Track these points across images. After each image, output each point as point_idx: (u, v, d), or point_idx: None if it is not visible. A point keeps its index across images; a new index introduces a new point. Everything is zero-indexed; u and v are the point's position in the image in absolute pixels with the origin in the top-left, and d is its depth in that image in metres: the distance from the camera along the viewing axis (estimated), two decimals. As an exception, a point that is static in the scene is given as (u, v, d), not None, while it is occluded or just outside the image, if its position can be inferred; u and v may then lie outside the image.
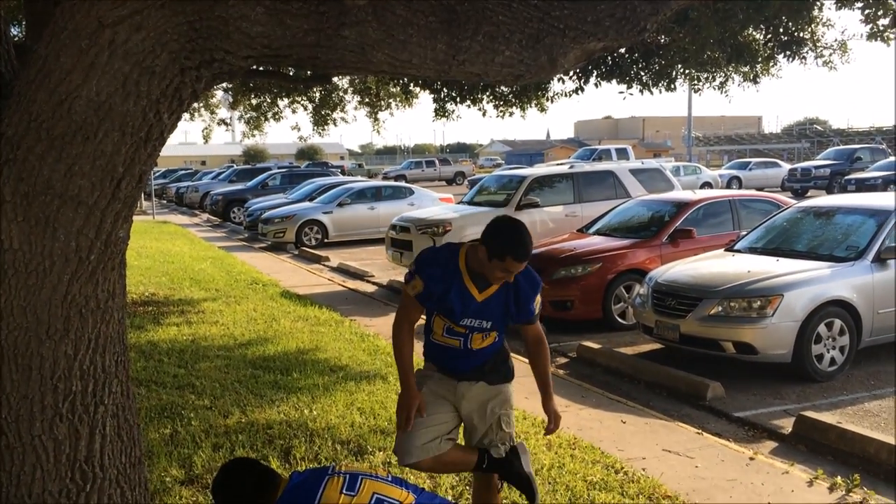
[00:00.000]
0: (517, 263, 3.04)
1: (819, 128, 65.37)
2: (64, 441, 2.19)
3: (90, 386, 2.22)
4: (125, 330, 2.38)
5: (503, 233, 3.07)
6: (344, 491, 2.58)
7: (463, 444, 3.47)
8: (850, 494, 4.23)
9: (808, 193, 26.94)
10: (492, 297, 3.16)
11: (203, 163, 68.13)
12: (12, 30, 8.93)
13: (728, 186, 30.05)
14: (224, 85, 12.25)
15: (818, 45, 7.23)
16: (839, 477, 4.41)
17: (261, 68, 8.81)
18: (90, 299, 2.19)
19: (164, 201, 36.67)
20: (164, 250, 15.69)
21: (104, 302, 2.23)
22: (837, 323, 6.47)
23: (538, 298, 3.27)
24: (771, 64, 7.57)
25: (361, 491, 2.59)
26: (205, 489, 4.03)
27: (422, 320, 3.39)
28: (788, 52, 7.20)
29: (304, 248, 16.69)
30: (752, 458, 4.79)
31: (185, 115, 13.97)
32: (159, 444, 4.68)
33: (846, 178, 26.43)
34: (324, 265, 14.46)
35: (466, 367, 3.31)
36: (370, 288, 11.81)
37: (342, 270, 13.63)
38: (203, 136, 17.02)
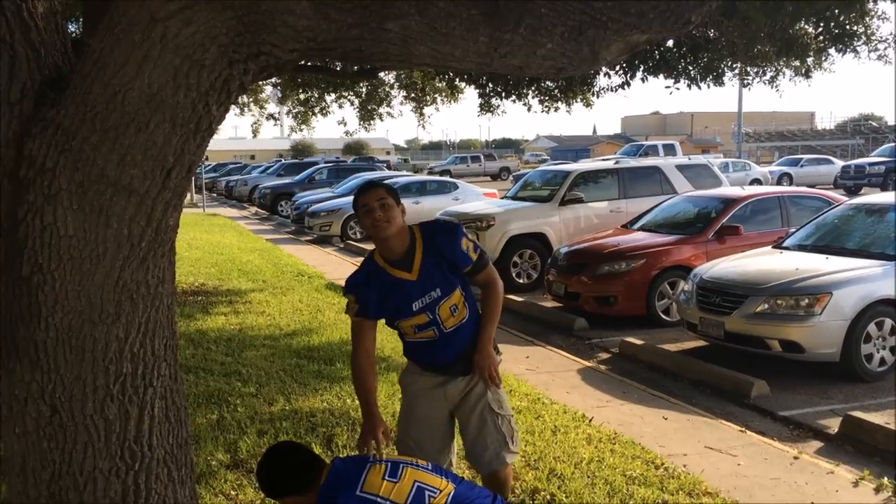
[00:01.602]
0: (364, 197, 3.06)
1: (874, 124, 63.48)
2: (114, 421, 2.27)
3: (140, 368, 2.30)
4: (174, 315, 2.46)
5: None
6: (386, 477, 2.63)
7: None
8: (898, 496, 4.15)
9: (862, 191, 26.23)
10: (422, 268, 3.11)
11: (252, 157, 69.06)
12: (69, 26, 9.20)
13: (778, 183, 29.40)
14: (273, 80, 12.44)
15: (872, 38, 7.06)
16: (886, 478, 4.33)
17: (308, 63, 8.95)
18: (141, 285, 2.26)
19: (214, 194, 37.33)
20: (213, 242, 16.00)
21: (154, 287, 2.30)
22: (888, 322, 6.33)
23: (463, 241, 3.17)
24: (822, 58, 7.41)
25: (403, 478, 2.63)
26: (249, 473, 4.12)
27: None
28: (840, 46, 7.04)
29: (350, 242, 16.86)
30: (796, 458, 4.72)
31: (235, 110, 14.23)
32: (206, 429, 4.80)
33: (902, 175, 25.67)
34: (368, 258, 14.57)
35: (450, 356, 3.22)
36: (413, 281, 11.87)
37: (386, 264, 13.71)
38: (252, 130, 17.30)
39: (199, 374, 6.04)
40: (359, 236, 17.44)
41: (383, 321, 3.27)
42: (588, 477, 4.20)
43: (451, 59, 2.31)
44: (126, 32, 2.07)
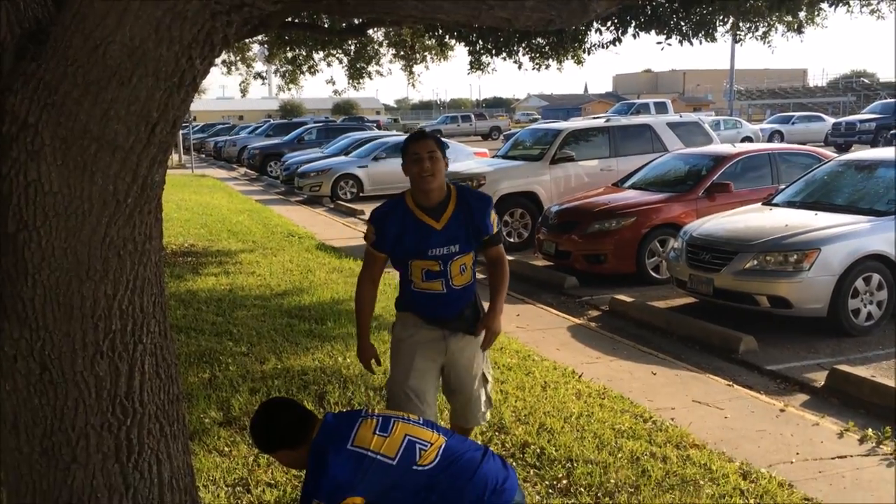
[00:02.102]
0: (416, 145, 3.18)
1: (866, 81, 63.29)
2: (105, 377, 2.27)
3: (129, 325, 2.30)
4: (162, 272, 2.45)
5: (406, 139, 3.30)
6: (377, 432, 2.65)
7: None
8: (881, 446, 4.23)
9: (852, 148, 26.24)
10: (450, 221, 3.23)
11: (241, 117, 68.50)
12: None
13: (769, 141, 29.38)
14: (260, 38, 12.25)
15: (865, -9, 7.00)
16: (870, 429, 4.40)
17: (296, 20, 8.81)
18: (128, 241, 2.25)
19: (203, 155, 37.04)
20: (202, 203, 15.92)
21: (141, 244, 2.29)
22: (876, 277, 6.39)
23: (493, 215, 3.34)
24: (815, 12, 7.35)
25: (394, 432, 2.65)
26: (242, 430, 4.16)
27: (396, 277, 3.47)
28: (833, 0, 6.98)
29: (340, 202, 16.81)
30: (782, 410, 4.79)
31: (223, 69, 14.01)
32: (198, 388, 4.82)
33: (892, 132, 25.70)
34: (359, 219, 14.56)
35: (452, 311, 3.34)
36: (404, 241, 11.88)
37: (377, 224, 13.70)
38: (240, 89, 17.05)
39: (190, 333, 6.05)
40: (349, 196, 17.39)
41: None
42: (577, 431, 4.26)
43: (439, 11, 2.28)
44: (106, -17, 2.03)
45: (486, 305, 3.41)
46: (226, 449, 4.00)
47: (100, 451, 2.30)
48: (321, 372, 5.14)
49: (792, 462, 4.06)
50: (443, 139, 4.01)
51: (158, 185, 2.32)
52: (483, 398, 3.52)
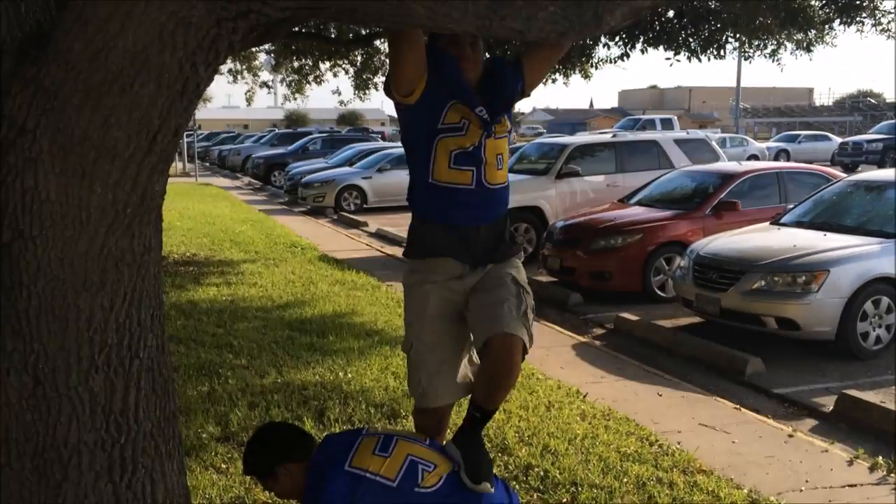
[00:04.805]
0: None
1: (873, 101, 63.33)
2: (99, 393, 2.20)
3: (126, 339, 2.23)
4: (161, 285, 2.38)
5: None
6: (377, 452, 2.57)
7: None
8: (892, 475, 4.13)
9: (859, 168, 26.18)
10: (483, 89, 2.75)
11: (245, 126, 68.61)
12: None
13: (776, 159, 29.32)
14: (266, 47, 12.25)
15: (877, 11, 6.95)
16: (881, 457, 4.30)
17: (303, 30, 8.78)
18: (126, 252, 2.18)
19: (207, 164, 37.08)
20: (205, 212, 15.89)
21: (140, 255, 2.22)
22: (885, 300, 6.30)
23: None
24: (826, 31, 7.30)
25: (395, 452, 2.57)
26: (240, 446, 4.07)
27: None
28: (845, 18, 6.93)
29: (343, 213, 16.76)
30: (790, 436, 4.70)
31: (229, 78, 14.00)
32: (197, 401, 4.74)
33: (900, 153, 25.64)
34: (362, 230, 14.51)
35: (483, 217, 2.79)
36: (408, 254, 11.81)
37: (380, 236, 13.66)
38: (246, 98, 17.03)
39: (189, 345, 5.98)
40: (353, 208, 17.33)
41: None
42: (582, 453, 4.17)
43: (449, 21, 2.21)
44: (110, -14, 1.97)
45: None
46: (223, 466, 3.91)
47: (92, 469, 2.22)
48: (321, 387, 5.06)
49: (801, 490, 3.96)
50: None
51: (159, 195, 2.25)
52: (513, 302, 2.70)
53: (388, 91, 2.76)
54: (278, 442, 2.63)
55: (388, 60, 11.98)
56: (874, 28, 7.16)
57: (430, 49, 2.70)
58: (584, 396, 5.19)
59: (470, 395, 2.85)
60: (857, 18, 6.88)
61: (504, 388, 2.73)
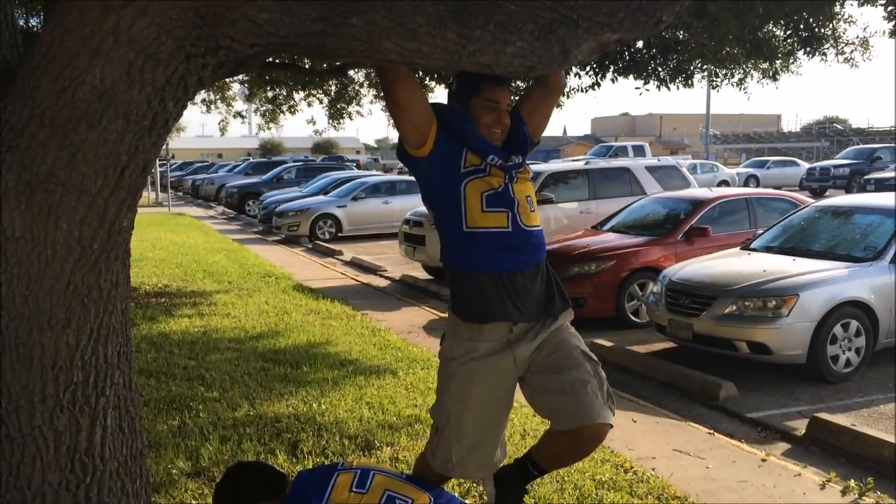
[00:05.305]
0: (496, 92, 2.60)
1: (839, 126, 64.69)
2: (64, 432, 2.16)
3: (92, 377, 2.20)
4: (129, 320, 2.36)
5: (461, 76, 2.63)
6: (354, 489, 2.53)
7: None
8: (864, 498, 4.16)
9: (827, 193, 26.67)
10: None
11: (220, 155, 68.43)
12: (32, 20, 8.95)
13: (745, 185, 29.81)
14: (240, 77, 12.26)
15: (839, 41, 7.13)
16: (852, 480, 4.34)
17: (276, 60, 8.80)
18: (93, 289, 2.16)
19: (181, 193, 36.86)
20: (178, 242, 15.75)
21: (107, 292, 2.20)
22: (854, 324, 6.38)
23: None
24: (791, 60, 7.47)
25: (372, 488, 2.54)
26: (211, 482, 4.01)
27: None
28: (809, 49, 7.10)
29: (318, 242, 16.71)
30: (764, 460, 4.72)
31: (202, 108, 13.98)
32: (167, 436, 4.67)
33: (865, 177, 26.19)
34: (337, 259, 14.46)
35: (525, 262, 2.60)
36: (383, 282, 11.79)
37: (355, 264, 13.62)
38: (220, 128, 17.02)
39: (160, 378, 5.90)
40: (327, 236, 17.29)
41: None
42: (557, 482, 4.15)
43: (418, 56, 2.24)
44: (77, 23, 1.97)
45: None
46: (193, 502, 3.84)
47: (57, 510, 2.18)
48: (295, 419, 5.01)
49: (775, 514, 3.98)
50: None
51: (126, 230, 2.24)
52: (594, 383, 2.55)
53: (403, 153, 2.67)
54: (249, 483, 2.58)
55: (360, 91, 11.94)
56: (838, 57, 7.33)
57: (440, 108, 2.67)
58: (560, 424, 5.18)
59: (532, 450, 2.74)
60: (820, 49, 7.05)
61: (575, 461, 2.69)
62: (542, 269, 2.69)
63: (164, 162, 30.28)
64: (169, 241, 15.71)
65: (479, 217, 2.56)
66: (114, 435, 2.25)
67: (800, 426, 5.31)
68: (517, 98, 3.03)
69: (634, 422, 5.39)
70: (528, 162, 2.83)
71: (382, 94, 2.81)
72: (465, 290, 2.62)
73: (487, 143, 2.61)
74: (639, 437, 5.07)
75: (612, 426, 2.59)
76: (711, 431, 5.23)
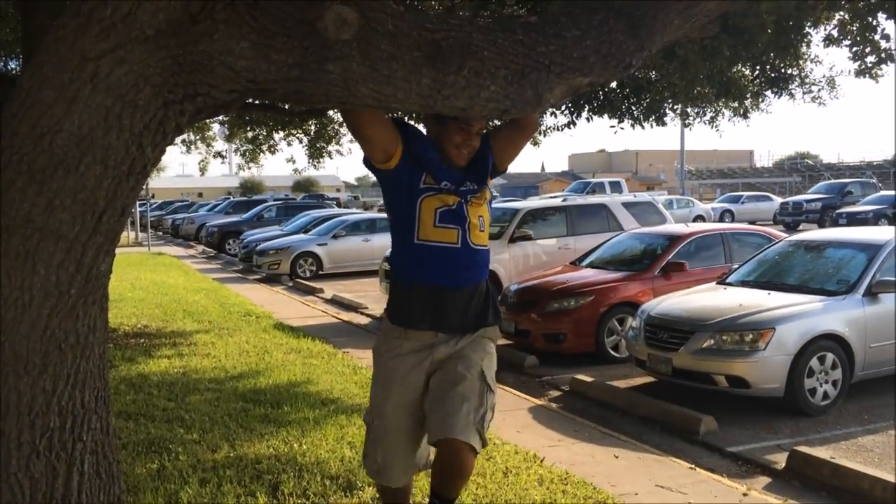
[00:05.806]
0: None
1: (810, 162, 65.92)
2: (41, 479, 2.14)
3: (68, 422, 2.19)
4: (106, 364, 2.35)
5: None
6: None
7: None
8: (844, 531, 4.18)
9: (800, 227, 27.06)
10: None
11: (200, 195, 68.29)
12: (10, 62, 8.98)
13: (720, 220, 30.18)
14: (220, 118, 12.35)
15: (806, 81, 7.32)
16: (833, 513, 4.36)
17: (256, 102, 8.88)
18: (70, 334, 2.16)
19: (160, 233, 36.67)
20: (158, 282, 15.64)
21: (84, 336, 2.20)
22: (830, 357, 6.45)
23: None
24: (760, 100, 7.65)
25: None
26: (189, 526, 3.96)
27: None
28: (776, 89, 7.28)
29: (299, 280, 16.66)
30: (745, 494, 4.73)
31: (182, 148, 14.06)
32: (146, 480, 4.60)
33: (837, 211, 26.66)
34: (318, 297, 14.42)
35: (466, 279, 2.77)
36: (364, 320, 11.76)
37: (336, 302, 13.59)
38: (200, 168, 17.07)
39: (139, 420, 5.82)
40: (308, 275, 17.25)
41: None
42: (539, 520, 4.14)
43: (394, 101, 2.30)
44: (56, 71, 2.01)
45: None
46: (171, 547, 3.79)
47: (31, 559, 2.15)
48: (276, 460, 4.96)
49: (757, 549, 3.98)
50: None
51: (104, 275, 2.25)
52: (474, 403, 2.65)
53: (368, 163, 2.84)
54: None
55: (340, 130, 12.05)
56: (805, 96, 7.52)
57: (405, 125, 2.82)
58: (542, 461, 5.17)
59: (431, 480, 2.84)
60: (788, 89, 7.23)
61: (456, 484, 2.70)
62: (481, 288, 2.85)
63: (144, 202, 30.17)
64: (149, 281, 15.60)
65: (430, 231, 2.74)
66: (91, 481, 2.24)
67: (780, 460, 5.34)
68: (493, 126, 3.11)
69: (616, 457, 5.40)
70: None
71: (346, 127, 2.94)
72: (399, 298, 2.87)
73: (444, 170, 2.77)
74: (621, 473, 5.07)
75: (475, 450, 2.64)
76: (693, 466, 5.24)
